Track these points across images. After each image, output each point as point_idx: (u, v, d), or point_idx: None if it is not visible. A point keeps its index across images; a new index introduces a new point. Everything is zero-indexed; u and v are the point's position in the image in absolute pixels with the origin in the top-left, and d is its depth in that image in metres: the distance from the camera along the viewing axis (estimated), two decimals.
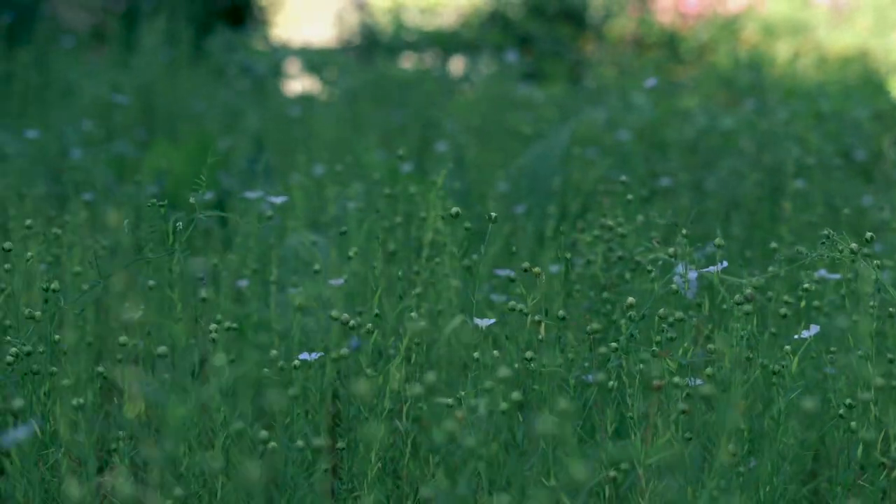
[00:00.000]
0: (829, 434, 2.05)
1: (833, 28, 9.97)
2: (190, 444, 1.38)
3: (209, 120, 4.84)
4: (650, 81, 3.25)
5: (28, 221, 2.04)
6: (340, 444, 1.67)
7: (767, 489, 1.72)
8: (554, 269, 2.58)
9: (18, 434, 1.14)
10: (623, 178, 2.33)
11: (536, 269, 1.84)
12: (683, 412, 1.59)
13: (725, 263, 1.81)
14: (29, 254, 2.00)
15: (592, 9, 9.76)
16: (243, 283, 2.58)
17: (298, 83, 6.50)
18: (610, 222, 2.25)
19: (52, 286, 1.89)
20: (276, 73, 6.47)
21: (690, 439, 1.71)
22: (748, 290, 1.72)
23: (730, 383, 1.59)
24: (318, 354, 1.93)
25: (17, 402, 1.27)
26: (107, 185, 3.48)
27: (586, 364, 2.13)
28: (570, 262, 2.17)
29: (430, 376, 1.26)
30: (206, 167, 3.57)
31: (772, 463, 1.74)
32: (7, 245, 1.90)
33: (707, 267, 1.99)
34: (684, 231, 2.14)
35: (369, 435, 1.09)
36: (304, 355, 1.95)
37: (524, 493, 1.32)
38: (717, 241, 1.83)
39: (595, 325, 2.02)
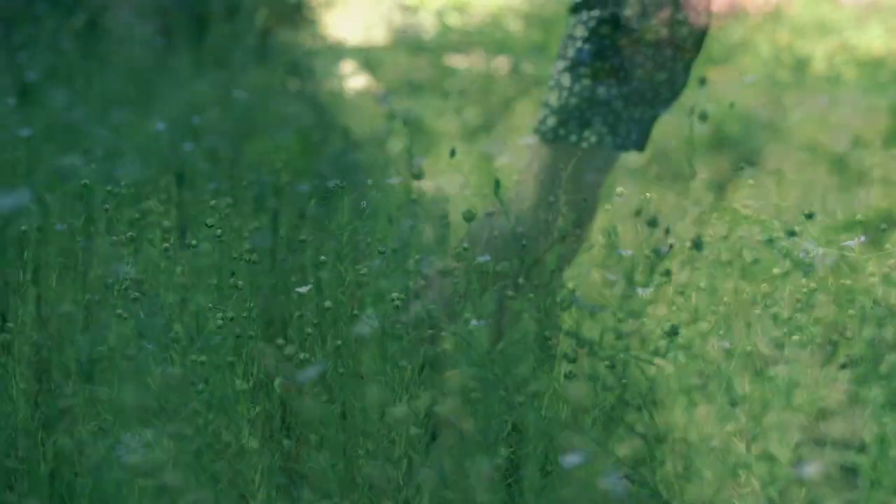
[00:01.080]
0: None
1: (860, 28, 10.17)
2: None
3: (286, 115, 5.04)
4: (750, 78, 3.46)
5: (212, 202, 2.24)
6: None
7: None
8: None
9: (310, 373, 1.34)
10: (742, 165, 2.52)
11: (671, 242, 2.04)
12: (844, 366, 1.79)
13: (864, 238, 2.00)
14: (219, 231, 2.19)
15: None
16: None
17: (358, 81, 6.71)
18: (735, 205, 2.45)
19: (252, 258, 2.09)
20: (334, 71, 6.68)
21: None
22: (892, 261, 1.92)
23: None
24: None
25: (307, 356, 1.47)
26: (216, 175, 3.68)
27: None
28: (700, 241, 2.36)
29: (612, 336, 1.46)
30: (310, 159, 3.75)
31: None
32: (209, 221, 2.10)
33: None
34: (806, 211, 2.35)
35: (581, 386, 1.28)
36: None
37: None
38: (858, 216, 2.03)
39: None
